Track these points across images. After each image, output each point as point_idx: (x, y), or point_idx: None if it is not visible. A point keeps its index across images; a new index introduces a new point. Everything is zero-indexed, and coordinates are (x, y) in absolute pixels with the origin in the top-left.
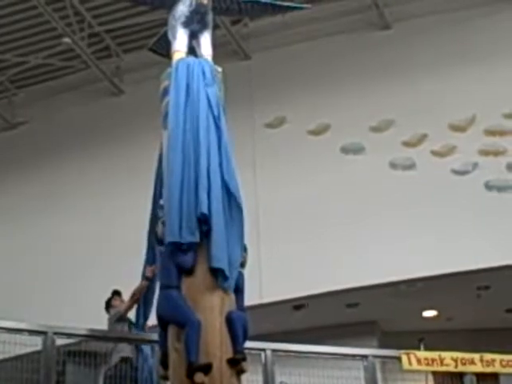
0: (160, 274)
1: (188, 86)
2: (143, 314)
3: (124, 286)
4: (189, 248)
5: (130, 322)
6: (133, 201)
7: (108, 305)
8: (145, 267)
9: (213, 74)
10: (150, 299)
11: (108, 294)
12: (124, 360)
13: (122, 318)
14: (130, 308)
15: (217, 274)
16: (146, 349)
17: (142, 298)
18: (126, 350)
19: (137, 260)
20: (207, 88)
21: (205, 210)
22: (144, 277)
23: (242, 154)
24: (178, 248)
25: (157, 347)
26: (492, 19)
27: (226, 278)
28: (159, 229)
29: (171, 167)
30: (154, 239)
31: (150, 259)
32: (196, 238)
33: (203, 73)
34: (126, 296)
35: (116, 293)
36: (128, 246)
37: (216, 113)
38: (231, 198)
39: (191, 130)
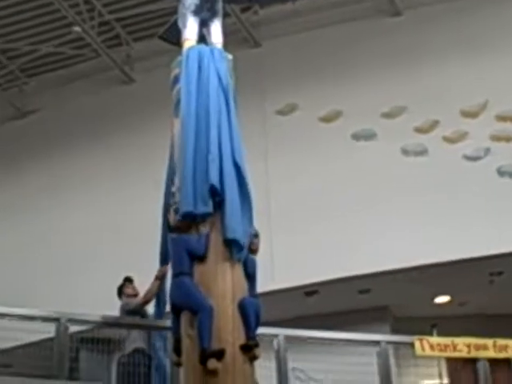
0: (172, 261)
1: (199, 72)
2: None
3: (135, 273)
4: (203, 219)
5: (144, 316)
6: (144, 189)
7: (120, 291)
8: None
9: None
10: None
11: (119, 281)
12: (137, 350)
13: (132, 312)
14: (141, 306)
15: (231, 245)
16: (159, 338)
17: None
18: (138, 340)
19: (147, 248)
20: (217, 65)
21: (216, 182)
22: (155, 276)
23: (253, 141)
24: (192, 219)
25: (169, 334)
26: (503, 5)
27: (240, 249)
28: (171, 216)
29: (184, 144)
30: (167, 227)
31: (164, 256)
32: (210, 209)
33: (214, 60)
34: (138, 282)
35: (128, 280)
36: (139, 234)
37: (225, 86)
38: (240, 176)
39: (204, 118)
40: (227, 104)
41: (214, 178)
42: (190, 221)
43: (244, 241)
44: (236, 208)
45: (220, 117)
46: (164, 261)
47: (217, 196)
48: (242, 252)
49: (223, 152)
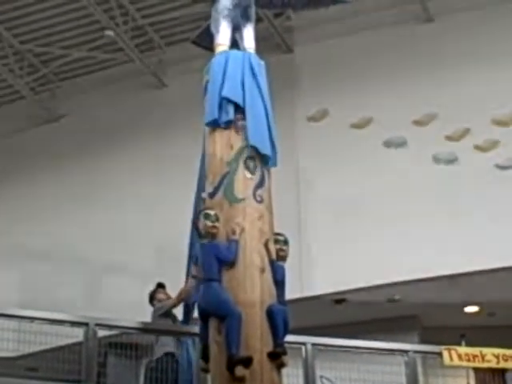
0: (201, 267)
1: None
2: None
3: (162, 281)
4: (227, 125)
5: (175, 319)
6: (177, 197)
7: (152, 297)
8: (189, 264)
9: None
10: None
11: (147, 288)
12: (168, 354)
13: (166, 314)
14: (175, 306)
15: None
16: (188, 343)
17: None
18: (170, 344)
19: (174, 256)
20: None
21: (240, 99)
22: (191, 275)
23: (283, 147)
24: (216, 125)
25: (197, 340)
26: None
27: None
28: (200, 222)
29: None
30: (196, 233)
31: (194, 257)
32: (231, 117)
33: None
34: (169, 289)
35: (160, 285)
36: (167, 242)
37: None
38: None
39: None
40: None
41: (240, 97)
42: (213, 127)
43: (266, 151)
44: (258, 119)
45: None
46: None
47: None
48: (271, 160)
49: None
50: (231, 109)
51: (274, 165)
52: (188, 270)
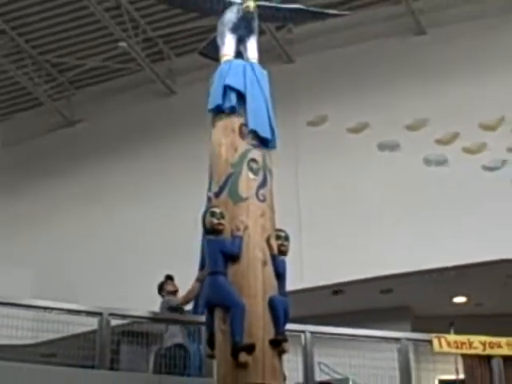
0: (207, 261)
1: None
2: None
3: (173, 272)
4: (231, 111)
5: (182, 311)
6: (184, 195)
7: (161, 288)
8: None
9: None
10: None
11: (158, 279)
12: (177, 346)
13: (173, 309)
14: (181, 305)
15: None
16: (195, 333)
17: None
18: (178, 336)
19: (185, 249)
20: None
21: (241, 87)
22: (196, 278)
23: (284, 150)
24: (219, 111)
25: (204, 329)
26: (508, 30)
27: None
28: (207, 219)
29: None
30: (203, 230)
31: (203, 260)
32: (233, 103)
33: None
34: (178, 280)
35: (169, 277)
36: (178, 236)
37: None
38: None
39: None
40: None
41: (241, 85)
42: (217, 113)
43: (265, 134)
44: (258, 107)
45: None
46: (204, 265)
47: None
48: (271, 142)
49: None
50: (234, 97)
51: (274, 147)
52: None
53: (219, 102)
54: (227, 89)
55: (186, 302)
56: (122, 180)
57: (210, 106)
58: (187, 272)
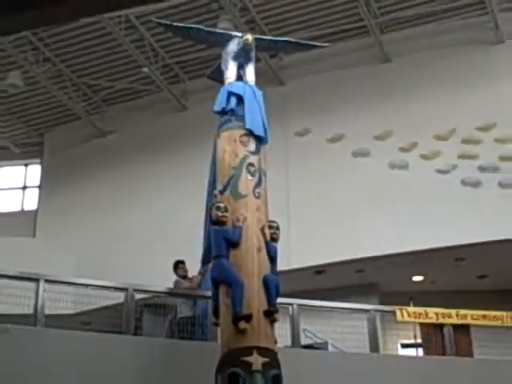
0: (213, 246)
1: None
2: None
3: (185, 256)
4: (232, 113)
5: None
6: (194, 193)
7: (175, 268)
8: (204, 261)
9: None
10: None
11: (173, 261)
12: (188, 318)
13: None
14: (193, 288)
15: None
16: (202, 305)
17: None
18: (188, 310)
19: (194, 236)
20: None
21: (241, 93)
22: (198, 272)
23: (276, 156)
24: (223, 112)
25: (210, 301)
26: (466, 57)
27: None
28: (213, 212)
29: None
30: (210, 222)
31: (207, 259)
32: (233, 106)
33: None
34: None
35: (180, 262)
36: (188, 225)
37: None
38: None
39: None
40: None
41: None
42: (222, 114)
43: (259, 132)
44: (254, 111)
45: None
46: (205, 260)
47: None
48: (264, 139)
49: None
50: (234, 101)
51: (267, 142)
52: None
53: (223, 105)
54: (230, 95)
55: (191, 289)
56: (145, 180)
57: (216, 108)
58: (194, 256)
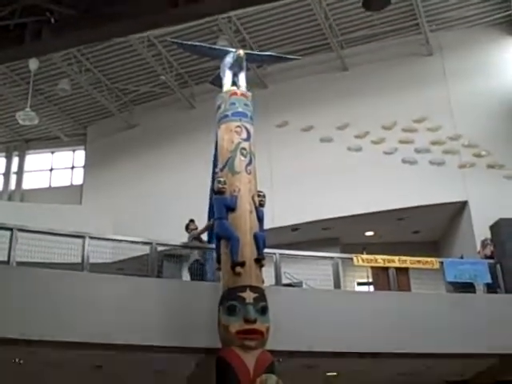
0: (216, 211)
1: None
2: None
3: (195, 215)
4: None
5: (200, 241)
6: (201, 169)
7: (187, 227)
8: (208, 218)
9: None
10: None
11: (186, 221)
12: (196, 261)
13: (195, 239)
14: (198, 235)
15: None
16: (210, 254)
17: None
18: (196, 255)
19: (202, 201)
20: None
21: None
22: (206, 224)
23: (262, 142)
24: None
25: (214, 252)
26: (404, 66)
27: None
28: (215, 185)
29: None
30: (212, 191)
31: (212, 214)
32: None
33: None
34: (198, 221)
35: (191, 220)
36: (197, 194)
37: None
38: None
39: None
40: None
41: None
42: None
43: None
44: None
45: None
46: (210, 216)
47: None
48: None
49: None
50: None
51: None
52: (209, 212)
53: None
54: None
55: (200, 233)
56: (163, 159)
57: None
58: (202, 215)
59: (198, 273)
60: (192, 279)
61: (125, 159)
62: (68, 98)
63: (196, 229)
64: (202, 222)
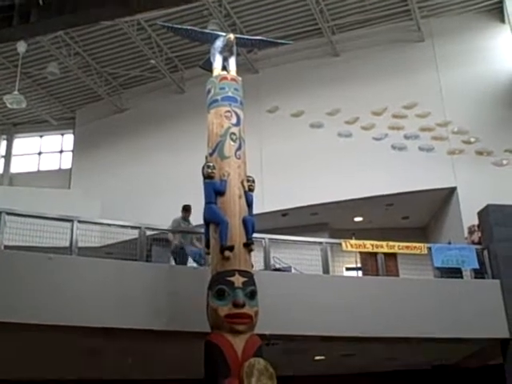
0: (205, 195)
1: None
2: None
3: (189, 200)
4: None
5: (189, 223)
6: (191, 152)
7: (183, 209)
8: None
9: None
10: None
11: (177, 206)
12: (175, 245)
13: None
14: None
15: None
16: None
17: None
18: (177, 239)
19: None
20: None
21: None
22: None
23: (253, 127)
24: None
25: (203, 236)
26: (395, 52)
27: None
28: (204, 169)
29: None
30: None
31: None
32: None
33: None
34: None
35: (187, 206)
36: (188, 178)
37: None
38: None
39: None
40: None
41: None
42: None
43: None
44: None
45: None
46: None
47: None
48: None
49: None
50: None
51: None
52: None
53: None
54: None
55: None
56: (152, 143)
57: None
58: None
59: (180, 256)
60: (176, 263)
61: (114, 143)
62: (57, 82)
63: (186, 218)
64: (194, 207)
